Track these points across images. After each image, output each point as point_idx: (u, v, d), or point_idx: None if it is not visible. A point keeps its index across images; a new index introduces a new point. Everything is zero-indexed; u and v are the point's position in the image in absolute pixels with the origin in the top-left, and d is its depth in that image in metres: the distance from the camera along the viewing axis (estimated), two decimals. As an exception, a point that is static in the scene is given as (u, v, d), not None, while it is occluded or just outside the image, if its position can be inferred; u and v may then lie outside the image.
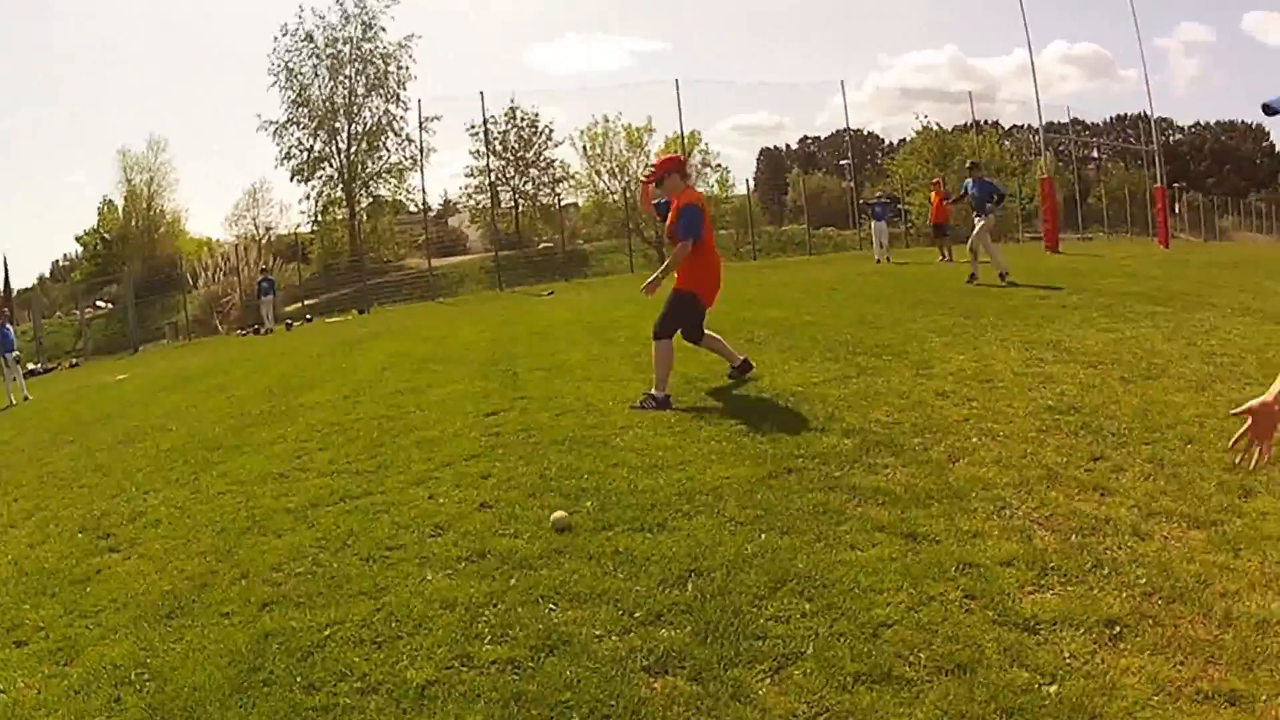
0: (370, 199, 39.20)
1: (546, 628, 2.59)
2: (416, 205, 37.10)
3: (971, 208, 13.51)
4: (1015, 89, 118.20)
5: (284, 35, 37.46)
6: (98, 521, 4.99)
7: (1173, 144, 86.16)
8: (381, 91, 38.19)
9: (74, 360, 26.31)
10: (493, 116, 37.23)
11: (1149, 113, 33.36)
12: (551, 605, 2.76)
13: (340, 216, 38.72)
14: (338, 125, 37.93)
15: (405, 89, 38.22)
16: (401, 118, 38.06)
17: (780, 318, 9.26)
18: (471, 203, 40.12)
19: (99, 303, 36.07)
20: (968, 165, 14.89)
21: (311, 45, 37.42)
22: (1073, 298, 9.77)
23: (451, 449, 5.17)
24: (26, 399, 15.41)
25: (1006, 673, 2.21)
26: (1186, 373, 5.53)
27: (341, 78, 37.75)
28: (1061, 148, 46.25)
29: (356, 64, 37.82)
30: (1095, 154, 64.06)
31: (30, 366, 22.70)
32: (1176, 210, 42.76)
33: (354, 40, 37.65)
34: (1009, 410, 4.95)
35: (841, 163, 43.02)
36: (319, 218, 38.91)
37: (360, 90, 37.97)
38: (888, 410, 5.07)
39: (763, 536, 3.25)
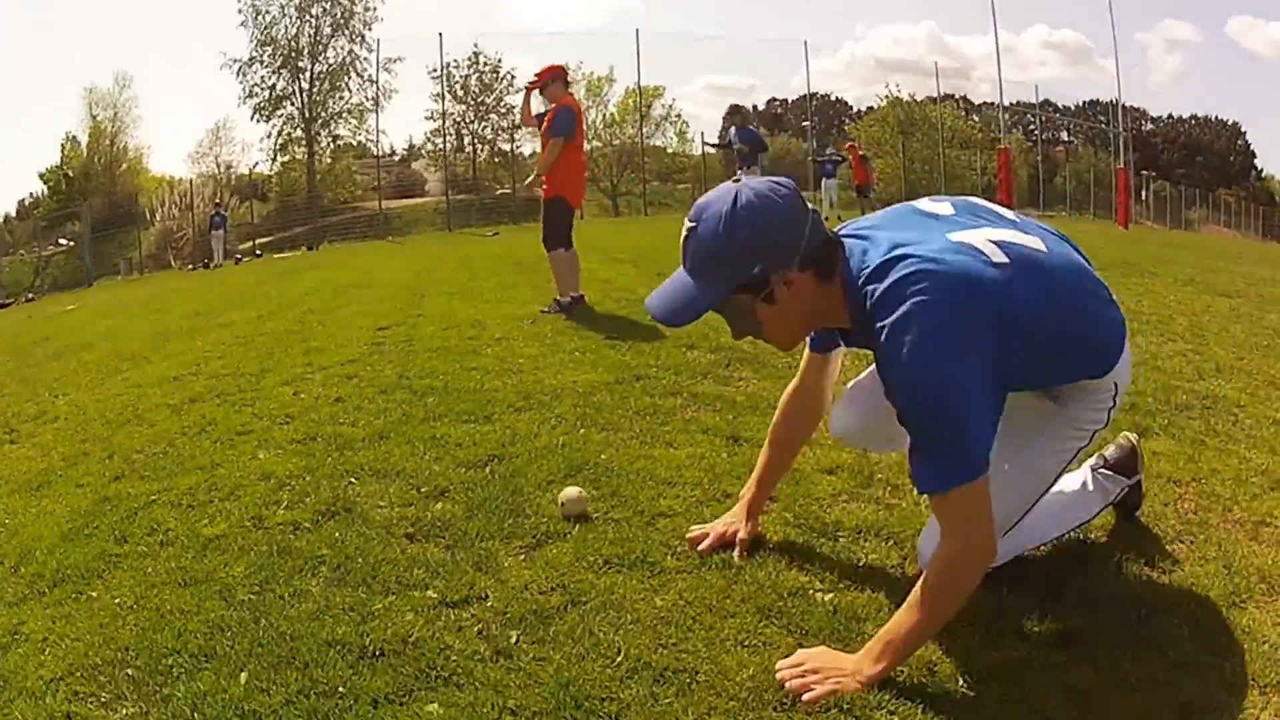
0: (331, 140, 38.39)
1: (337, 497, 2.71)
2: (378, 148, 36.49)
3: (738, 161, 12.64)
4: (991, 69, 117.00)
5: None
6: (6, 420, 5.08)
7: (1144, 133, 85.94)
8: (346, 31, 37.26)
9: (30, 295, 25.80)
10: (455, 60, 36.91)
11: (1118, 97, 33.70)
12: (352, 480, 2.88)
13: (299, 156, 37.84)
14: (301, 65, 36.88)
15: (370, 29, 37.32)
16: (365, 58, 37.03)
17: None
18: (430, 147, 39.55)
19: (60, 240, 35.18)
20: (728, 110, 14.43)
21: None
22: None
23: (332, 356, 5.28)
24: (-27, 327, 15.21)
25: (782, 574, 2.08)
26: (1173, 330, 5.39)
27: (309, 17, 36.68)
28: (1030, 127, 46.56)
29: (325, 3, 36.82)
30: (1065, 136, 64.09)
31: (-13, 303, 22.37)
32: (1143, 197, 43.11)
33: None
34: None
35: (804, 124, 42.75)
36: (276, 156, 38.07)
37: (326, 30, 37.00)
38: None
39: (581, 431, 3.29)
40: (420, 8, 69.36)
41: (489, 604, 1.99)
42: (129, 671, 1.85)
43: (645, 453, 2.98)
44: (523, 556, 2.23)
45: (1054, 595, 1.94)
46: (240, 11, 37.07)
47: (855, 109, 67.83)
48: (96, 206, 33.96)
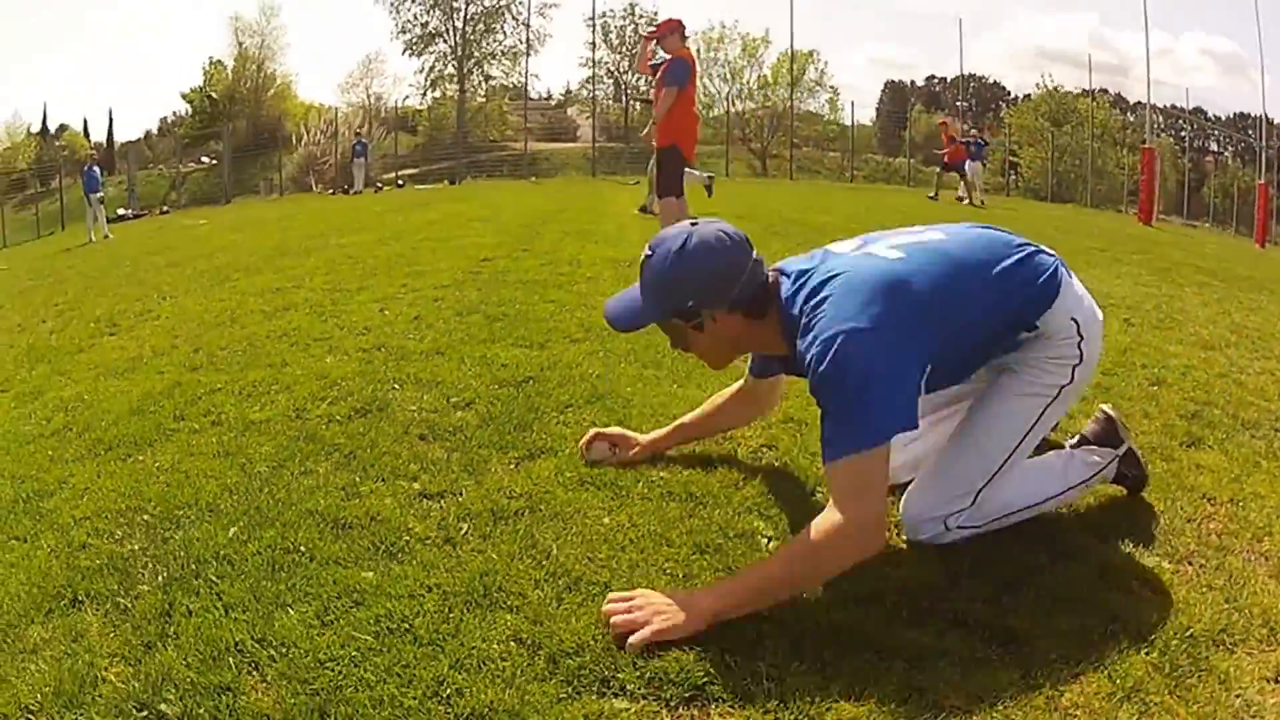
0: (483, 79, 39.76)
1: (375, 399, 3.01)
2: (524, 93, 37.56)
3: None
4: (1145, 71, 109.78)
5: None
6: (111, 316, 5.76)
7: None
8: None
9: (165, 209, 28.02)
10: (611, 10, 38.69)
11: (1263, 108, 32.02)
12: (395, 386, 3.19)
13: (450, 93, 39.45)
14: (455, 4, 38.32)
15: None
16: (520, 2, 38.12)
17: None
18: (584, 93, 40.39)
19: (203, 159, 37.95)
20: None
21: None
22: (1132, 256, 9.53)
23: (429, 280, 5.66)
24: (107, 238, 16.86)
25: (738, 517, 2.18)
26: (1203, 333, 5.18)
27: None
28: (1181, 133, 44.00)
29: None
30: (1214, 146, 59.53)
31: (121, 212, 24.48)
32: None
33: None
34: None
35: (958, 103, 41.70)
36: (427, 92, 39.81)
37: None
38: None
39: (621, 365, 3.47)
40: None
41: (459, 499, 2.22)
42: (145, 517, 2.21)
43: (671, 390, 3.14)
44: (512, 465, 2.45)
45: (1013, 588, 1.87)
46: None
47: (1013, 95, 64.88)
48: (240, 129, 36.64)
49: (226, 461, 2.56)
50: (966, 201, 19.07)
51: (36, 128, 48.45)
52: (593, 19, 34.92)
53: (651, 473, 2.38)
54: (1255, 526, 2.34)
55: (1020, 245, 2.03)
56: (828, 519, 1.68)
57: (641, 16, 39.01)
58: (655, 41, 7.15)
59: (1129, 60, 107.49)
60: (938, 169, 20.68)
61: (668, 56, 6.92)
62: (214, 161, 35.60)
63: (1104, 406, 2.33)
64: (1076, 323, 2.00)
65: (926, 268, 1.88)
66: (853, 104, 42.08)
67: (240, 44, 41.00)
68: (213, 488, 2.34)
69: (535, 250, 6.96)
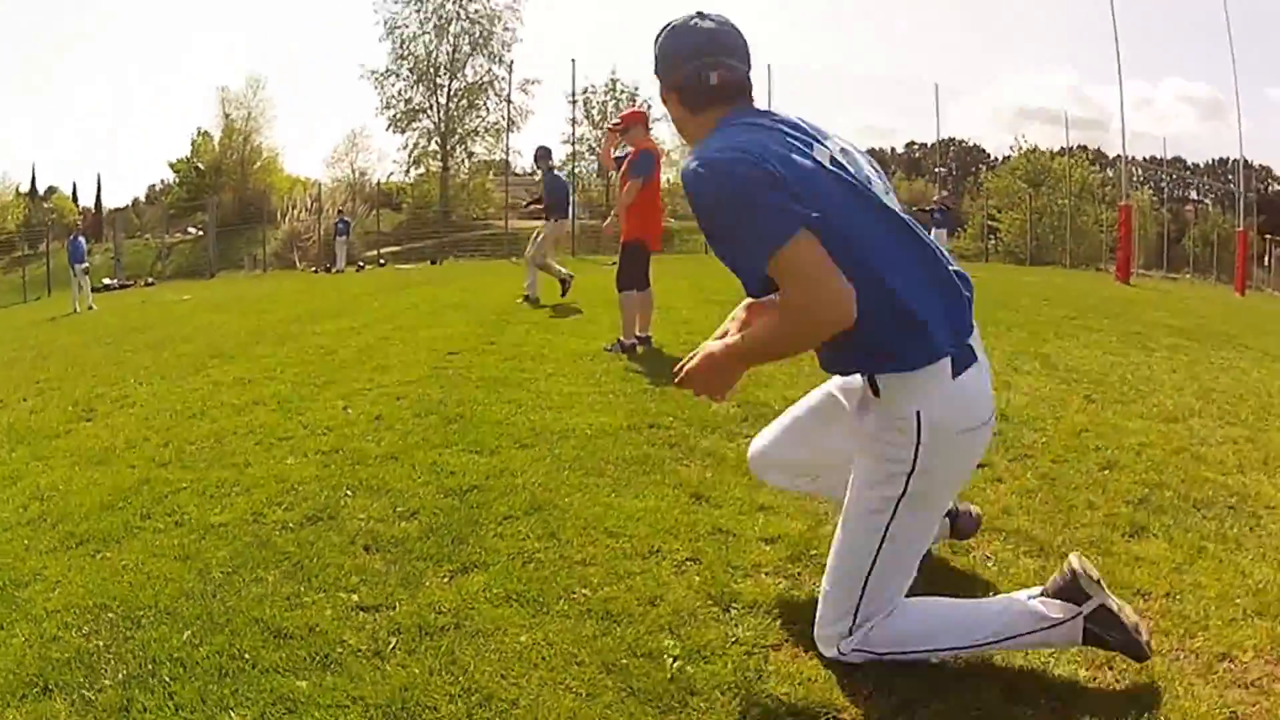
0: (466, 155, 40.81)
1: (328, 505, 3.30)
2: (506, 170, 38.59)
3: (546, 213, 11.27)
4: (1128, 120, 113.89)
5: None
6: (89, 400, 6.03)
7: (1272, 194, 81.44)
8: (485, 51, 39.72)
9: (150, 280, 28.38)
10: (592, 85, 38.80)
11: (1240, 154, 32.92)
12: (348, 492, 3.46)
13: (434, 169, 40.50)
14: (439, 80, 39.56)
15: (509, 50, 39.65)
16: (502, 79, 39.37)
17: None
18: (567, 170, 41.29)
19: (189, 229, 38.49)
20: (536, 154, 11.71)
21: (419, 3, 39.09)
22: (1103, 322, 9.78)
23: (394, 375, 5.96)
24: (91, 309, 17.16)
25: (646, 635, 2.34)
26: (1167, 404, 5.36)
27: (448, 35, 39.34)
28: (1161, 184, 45.46)
29: (464, 22, 39.38)
30: (1194, 194, 61.08)
31: (106, 282, 24.87)
32: (1267, 263, 40.52)
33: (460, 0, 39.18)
34: None
35: (937, 170, 43.10)
36: (410, 169, 41.01)
37: (465, 48, 39.55)
38: (806, 388, 5.44)
39: (564, 473, 3.69)
40: (560, 31, 72.81)
41: (392, 613, 2.48)
42: (110, 615, 2.50)
43: (608, 500, 3.38)
44: (445, 579, 2.70)
45: (913, 709, 1.97)
46: (380, 24, 40.74)
47: (993, 156, 66.58)
48: (226, 201, 37.57)
49: (185, 565, 2.83)
50: None
51: (25, 188, 49.12)
52: (573, 95, 35.86)
53: (575, 587, 2.63)
54: (1189, 621, 2.36)
55: (958, 296, 1.98)
56: (794, 297, 1.84)
57: (623, 91, 39.85)
58: (620, 134, 7.23)
59: (1108, 113, 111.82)
60: None
61: (631, 149, 7.05)
62: (200, 233, 36.14)
63: (1071, 558, 2.11)
64: (919, 419, 1.93)
65: (838, 193, 1.91)
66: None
67: (227, 115, 42.13)
68: (172, 590, 2.62)
69: (501, 344, 7.26)
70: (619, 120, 7.25)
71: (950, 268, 1.98)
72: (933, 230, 20.09)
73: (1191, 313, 12.68)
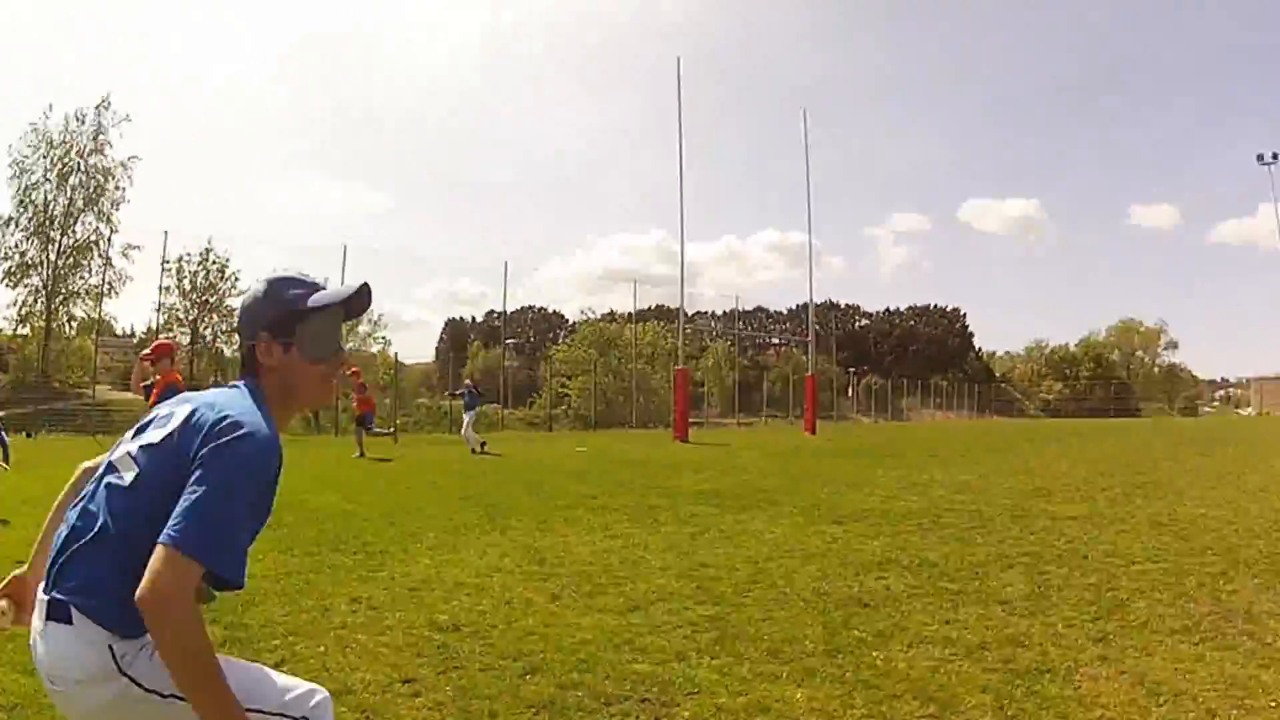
0: (68, 318, 38.82)
1: None
2: (96, 340, 36.74)
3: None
4: (718, 273, 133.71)
5: (30, 132, 36.77)
6: None
7: (859, 329, 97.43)
8: (95, 208, 37.78)
9: None
10: (188, 254, 38.44)
11: (810, 301, 40.10)
12: None
13: (39, 327, 37.61)
14: (53, 234, 36.94)
15: (118, 209, 38.12)
16: (109, 239, 37.83)
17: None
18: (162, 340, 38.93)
19: None
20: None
21: (49, 148, 36.93)
22: (624, 499, 10.15)
23: None
24: None
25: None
26: (641, 589, 5.54)
27: (65, 186, 37.11)
28: (742, 334, 51.96)
29: (82, 174, 37.35)
30: (776, 340, 70.35)
31: None
32: (849, 394, 47.83)
33: (84, 150, 37.35)
34: (383, 625, 4.74)
35: (508, 341, 47.00)
36: (17, 328, 38.18)
37: (80, 202, 37.40)
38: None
39: None
40: (165, 197, 70.18)
41: None
42: None
43: None
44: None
45: None
46: (10, 165, 36.92)
47: (571, 321, 72.74)
48: None
49: None
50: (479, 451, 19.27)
51: None
52: (164, 261, 34.94)
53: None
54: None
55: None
56: (144, 588, 1.59)
57: (214, 262, 39.62)
58: (150, 364, 7.61)
59: (698, 266, 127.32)
60: (354, 424, 19.68)
61: (158, 378, 7.44)
62: None
63: None
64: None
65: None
66: (397, 356, 44.55)
67: None
68: None
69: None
70: (149, 351, 7.70)
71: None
72: (465, 412, 20.53)
73: (740, 469, 14.21)
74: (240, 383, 1.94)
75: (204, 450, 1.72)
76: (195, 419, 1.79)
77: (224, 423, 1.75)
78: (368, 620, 4.85)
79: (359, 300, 1.97)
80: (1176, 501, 10.01)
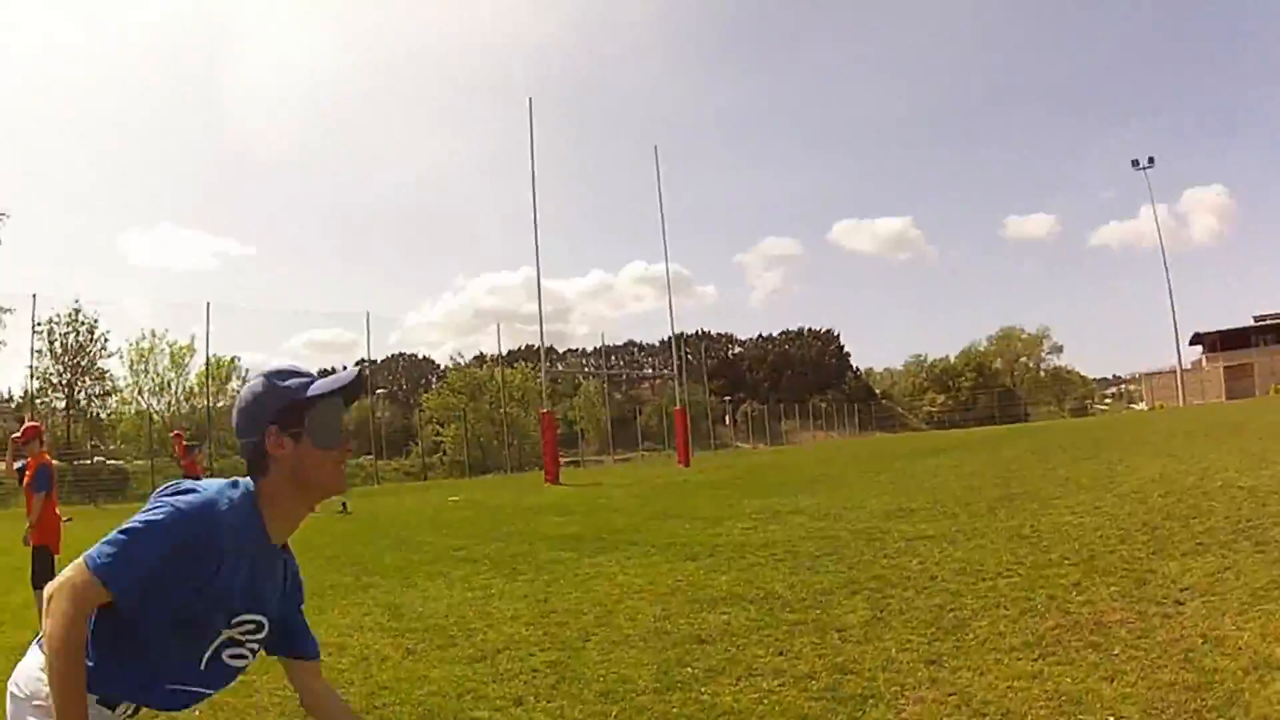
0: None
1: None
2: None
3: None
4: (590, 308, 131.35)
5: None
6: None
7: (732, 357, 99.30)
8: None
9: None
10: (57, 315, 37.80)
11: (671, 334, 39.86)
12: None
13: None
14: None
15: None
16: None
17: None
18: (37, 405, 37.86)
19: None
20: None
21: None
22: (489, 548, 10.08)
23: None
24: None
25: None
26: (480, 643, 5.64)
27: None
28: (613, 369, 52.26)
29: None
30: (650, 372, 70.42)
31: None
32: (728, 421, 48.70)
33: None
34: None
35: (378, 391, 47.22)
36: None
37: None
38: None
39: None
40: (39, 245, 67.43)
41: None
42: None
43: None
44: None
45: None
46: None
47: (441, 367, 72.25)
48: None
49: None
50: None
51: None
52: (35, 324, 33.99)
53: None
54: None
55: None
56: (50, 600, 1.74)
57: (83, 323, 39.06)
58: (21, 445, 7.89)
59: (568, 302, 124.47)
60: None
61: (28, 459, 7.69)
62: None
63: None
64: None
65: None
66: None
67: None
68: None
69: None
70: (19, 434, 7.91)
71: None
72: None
73: (605, 509, 14.23)
74: (239, 479, 1.96)
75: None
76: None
77: (182, 486, 1.88)
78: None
79: (355, 385, 1.97)
80: (1041, 511, 9.72)
